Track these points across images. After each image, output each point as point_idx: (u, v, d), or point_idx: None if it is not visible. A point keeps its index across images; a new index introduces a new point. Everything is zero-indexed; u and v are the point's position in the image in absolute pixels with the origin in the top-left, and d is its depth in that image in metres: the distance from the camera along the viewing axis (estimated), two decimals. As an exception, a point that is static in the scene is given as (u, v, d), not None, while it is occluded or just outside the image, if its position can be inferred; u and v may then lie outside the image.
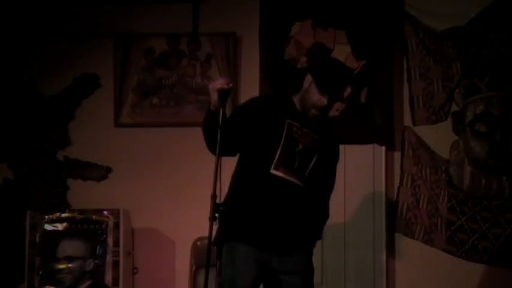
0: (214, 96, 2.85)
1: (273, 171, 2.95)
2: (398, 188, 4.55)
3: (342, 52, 4.63)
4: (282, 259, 2.97)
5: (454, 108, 4.56)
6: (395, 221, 4.53)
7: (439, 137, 4.56)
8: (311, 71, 3.09)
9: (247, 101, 3.20)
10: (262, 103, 3.17)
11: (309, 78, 3.05)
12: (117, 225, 4.36)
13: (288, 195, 2.97)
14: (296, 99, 3.10)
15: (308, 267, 3.07)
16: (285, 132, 2.98)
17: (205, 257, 2.82)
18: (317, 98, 2.99)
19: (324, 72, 3.03)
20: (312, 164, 3.03)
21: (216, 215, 2.82)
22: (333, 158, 3.19)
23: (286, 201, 2.97)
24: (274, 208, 2.95)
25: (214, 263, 2.85)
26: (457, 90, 4.56)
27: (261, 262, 2.94)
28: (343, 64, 3.35)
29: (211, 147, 2.91)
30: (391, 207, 4.55)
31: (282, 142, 2.97)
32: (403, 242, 4.54)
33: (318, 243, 4.57)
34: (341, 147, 4.75)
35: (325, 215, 3.17)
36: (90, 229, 4.34)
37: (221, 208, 2.82)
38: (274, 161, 2.95)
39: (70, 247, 3.95)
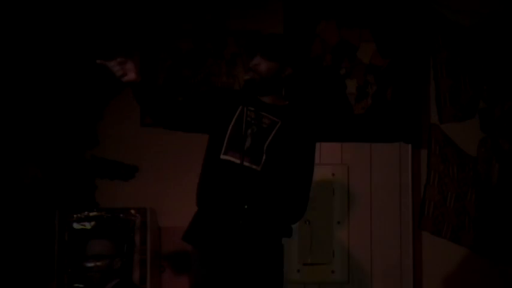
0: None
1: (222, 156, 2.84)
2: (425, 186, 4.53)
3: (367, 50, 4.62)
4: (237, 260, 2.78)
5: (482, 105, 4.53)
6: (422, 219, 4.51)
7: (467, 135, 4.53)
8: None
9: (211, 89, 3.18)
10: (222, 93, 3.10)
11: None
12: (144, 224, 4.38)
13: (240, 182, 2.77)
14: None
15: (267, 269, 2.84)
16: (235, 117, 2.87)
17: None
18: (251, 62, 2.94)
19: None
20: (266, 143, 2.84)
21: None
22: (302, 142, 2.93)
23: (239, 189, 2.77)
24: (225, 201, 2.79)
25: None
26: (484, 87, 4.52)
27: (217, 265, 2.80)
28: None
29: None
30: (418, 205, 4.53)
31: (231, 125, 2.86)
32: (430, 240, 4.51)
33: (344, 241, 4.58)
34: (367, 145, 4.73)
35: (294, 207, 2.90)
36: (117, 228, 4.37)
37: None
38: (224, 146, 2.85)
39: (98, 245, 3.98)
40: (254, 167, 2.83)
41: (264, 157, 2.83)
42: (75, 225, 4.39)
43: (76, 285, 4.28)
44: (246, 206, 2.79)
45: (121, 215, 4.39)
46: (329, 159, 4.50)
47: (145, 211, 4.41)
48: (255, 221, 2.81)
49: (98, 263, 3.90)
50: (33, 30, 4.88)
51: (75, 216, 4.41)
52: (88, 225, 4.39)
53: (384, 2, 4.62)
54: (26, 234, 4.74)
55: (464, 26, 4.52)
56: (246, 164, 2.81)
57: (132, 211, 4.40)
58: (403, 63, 4.58)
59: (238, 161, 2.80)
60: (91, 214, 4.42)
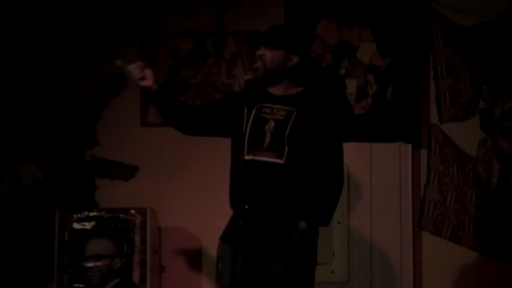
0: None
1: (246, 157, 2.86)
2: (425, 186, 4.53)
3: (367, 50, 4.62)
4: (266, 254, 2.84)
5: (482, 105, 4.53)
6: (422, 219, 4.51)
7: (466, 135, 4.53)
8: None
9: (226, 96, 3.24)
10: (236, 98, 3.11)
11: None
12: (144, 224, 4.38)
13: (266, 177, 2.83)
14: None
15: (298, 255, 2.89)
16: (252, 116, 2.90)
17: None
18: None
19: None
20: (286, 134, 2.86)
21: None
22: (323, 124, 2.95)
23: (265, 184, 2.83)
24: (252, 198, 2.81)
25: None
26: (484, 87, 4.52)
27: (245, 261, 2.82)
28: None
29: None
30: (418, 205, 4.53)
31: (249, 126, 2.88)
32: (430, 240, 4.51)
33: (344, 241, 4.58)
34: (367, 145, 4.72)
35: (331, 191, 2.92)
36: (117, 228, 4.37)
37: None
38: (245, 147, 2.87)
39: (98, 245, 3.98)
40: (278, 161, 2.85)
41: (286, 149, 2.86)
42: (75, 225, 4.39)
43: (76, 285, 4.28)
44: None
45: (121, 215, 4.40)
46: (329, 159, 4.50)
47: (145, 211, 4.42)
48: (284, 218, 2.84)
49: (98, 263, 3.90)
50: (33, 32, 4.88)
51: (75, 216, 4.41)
52: (88, 225, 4.39)
53: (384, 1, 4.61)
54: (26, 234, 4.74)
55: (464, 26, 4.52)
56: (270, 160, 2.85)
57: (132, 211, 4.41)
58: (403, 63, 4.57)
59: (261, 158, 2.84)
60: (91, 214, 4.43)
